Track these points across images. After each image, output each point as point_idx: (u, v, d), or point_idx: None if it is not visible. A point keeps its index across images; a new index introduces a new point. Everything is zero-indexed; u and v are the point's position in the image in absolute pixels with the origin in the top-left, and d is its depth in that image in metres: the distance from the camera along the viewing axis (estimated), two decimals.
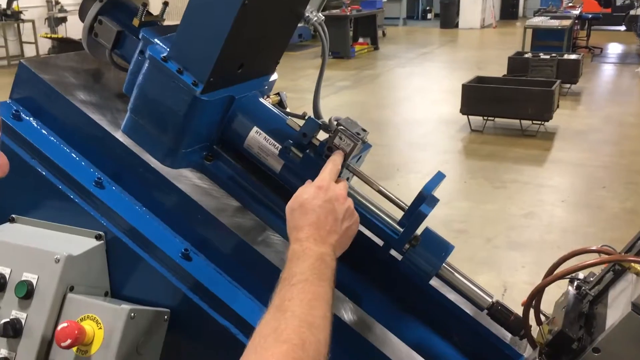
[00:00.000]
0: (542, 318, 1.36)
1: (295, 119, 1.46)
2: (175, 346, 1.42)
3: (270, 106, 1.49)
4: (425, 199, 1.33)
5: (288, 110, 1.65)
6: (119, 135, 1.47)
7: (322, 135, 1.41)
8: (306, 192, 1.24)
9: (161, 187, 1.47)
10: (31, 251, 1.37)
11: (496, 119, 8.91)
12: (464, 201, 6.34)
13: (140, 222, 1.45)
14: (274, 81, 1.60)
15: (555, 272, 1.23)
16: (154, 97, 1.33)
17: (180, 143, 1.37)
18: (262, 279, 1.42)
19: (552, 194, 6.72)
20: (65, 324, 1.27)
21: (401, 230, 1.36)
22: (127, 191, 1.50)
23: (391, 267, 1.48)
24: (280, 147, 1.38)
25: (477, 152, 8.13)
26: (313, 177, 1.30)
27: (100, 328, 1.30)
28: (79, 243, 1.42)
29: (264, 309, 1.41)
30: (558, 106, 8.83)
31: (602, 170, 7.38)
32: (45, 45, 14.47)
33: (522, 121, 8.62)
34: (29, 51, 14.60)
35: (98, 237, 1.44)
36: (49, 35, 14.11)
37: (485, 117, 8.82)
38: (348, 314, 1.45)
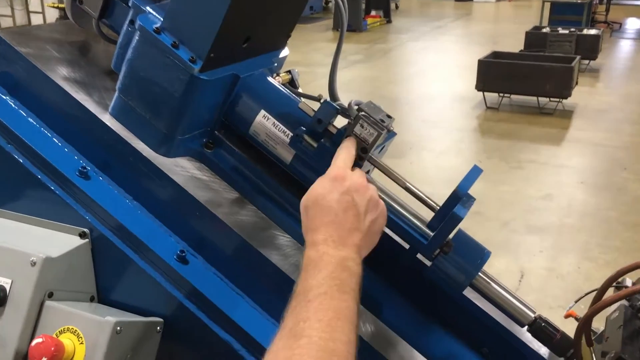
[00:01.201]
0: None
1: (308, 102, 1.27)
2: None
3: (280, 87, 1.33)
4: (461, 199, 1.14)
5: (300, 90, 1.46)
6: (107, 119, 1.31)
7: (339, 122, 1.22)
8: (320, 186, 1.07)
9: (154, 178, 1.31)
10: (4, 252, 1.20)
11: (512, 96, 8.70)
12: (478, 182, 6.01)
13: (130, 219, 1.28)
14: (285, 57, 1.42)
15: (616, 293, 1.05)
16: (145, 75, 1.19)
17: (176, 128, 1.22)
18: (268, 286, 1.26)
19: (571, 175, 6.53)
20: (40, 339, 1.10)
21: (431, 234, 1.18)
22: (116, 183, 1.33)
23: (416, 272, 1.30)
24: (291, 134, 1.21)
25: (493, 130, 7.92)
26: None
27: (81, 343, 1.13)
28: (60, 242, 1.25)
29: (270, 320, 1.25)
30: (577, 83, 8.58)
31: (622, 151, 7.16)
32: (53, 15, 14.26)
33: (540, 98, 8.39)
34: (36, 21, 14.39)
35: (82, 235, 1.28)
36: (56, 5, 13.88)
37: (501, 94, 8.59)
38: (365, 326, 1.28)
